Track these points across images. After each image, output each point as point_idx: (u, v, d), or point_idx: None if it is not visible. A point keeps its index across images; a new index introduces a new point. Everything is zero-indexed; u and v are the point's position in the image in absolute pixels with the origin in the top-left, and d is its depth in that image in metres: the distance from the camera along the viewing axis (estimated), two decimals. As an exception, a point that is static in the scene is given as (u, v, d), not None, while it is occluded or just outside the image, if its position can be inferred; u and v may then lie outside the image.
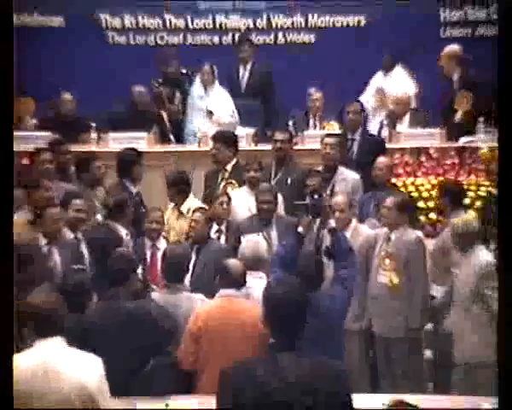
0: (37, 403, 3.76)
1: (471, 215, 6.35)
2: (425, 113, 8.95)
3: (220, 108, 9.14)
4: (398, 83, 9.51)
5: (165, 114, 9.55)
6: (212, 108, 9.13)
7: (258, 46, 10.16)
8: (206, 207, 7.03)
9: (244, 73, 9.75)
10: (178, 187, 7.29)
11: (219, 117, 9.00)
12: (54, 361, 3.80)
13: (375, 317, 6.48)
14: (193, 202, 7.28)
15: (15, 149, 7.76)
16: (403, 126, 8.89)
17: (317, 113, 9.46)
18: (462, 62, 9.13)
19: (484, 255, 6.05)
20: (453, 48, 9.39)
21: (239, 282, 5.18)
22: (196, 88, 9.51)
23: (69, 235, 6.55)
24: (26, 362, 3.83)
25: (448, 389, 6.02)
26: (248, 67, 9.77)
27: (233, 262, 5.29)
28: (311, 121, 9.47)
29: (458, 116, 8.82)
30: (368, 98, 9.59)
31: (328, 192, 7.14)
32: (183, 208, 7.22)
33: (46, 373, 3.78)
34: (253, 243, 5.83)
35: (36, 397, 3.77)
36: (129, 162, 7.57)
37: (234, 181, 7.71)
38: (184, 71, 9.78)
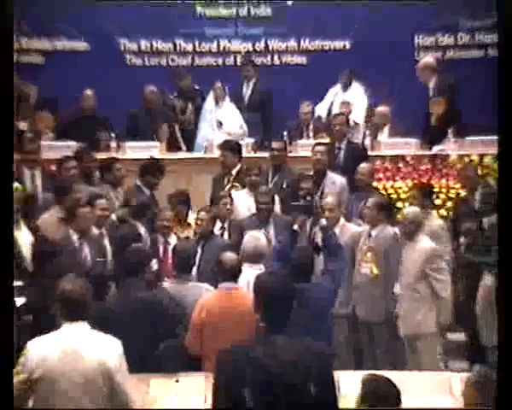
0: (61, 380, 3.72)
1: (417, 209, 6.45)
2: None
3: (231, 120, 9.11)
4: (356, 96, 9.48)
5: (176, 126, 9.47)
6: (222, 119, 9.09)
7: (259, 66, 10.08)
8: (211, 207, 7.00)
9: (247, 91, 9.65)
10: (181, 206, 7.17)
11: (230, 129, 8.97)
12: (77, 342, 3.78)
13: (358, 303, 6.45)
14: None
15: (43, 157, 7.81)
16: (383, 136, 8.86)
17: (309, 124, 9.39)
18: (436, 72, 9.19)
19: (427, 242, 6.16)
20: (428, 60, 9.52)
21: (233, 273, 5.09)
22: (209, 102, 9.40)
23: (95, 231, 6.56)
24: (51, 343, 3.81)
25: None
26: (251, 84, 9.67)
27: (227, 256, 5.19)
28: (304, 132, 9.39)
29: (433, 119, 8.80)
30: (325, 107, 9.55)
31: (319, 194, 7.10)
32: (189, 219, 7.15)
33: (69, 353, 3.74)
34: (254, 238, 5.78)
35: (60, 375, 3.73)
36: (151, 170, 7.55)
37: (237, 184, 7.66)
38: (197, 87, 9.71)
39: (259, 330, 3.46)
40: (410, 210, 6.37)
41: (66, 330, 3.81)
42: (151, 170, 7.57)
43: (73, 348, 3.75)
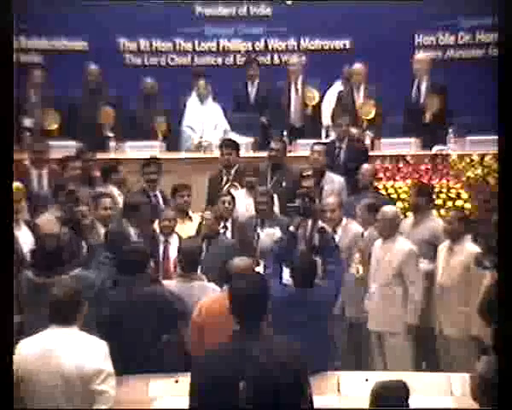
0: (37, 382, 3.73)
1: (396, 208, 6.46)
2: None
3: (215, 119, 9.10)
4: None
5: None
6: (207, 118, 9.09)
7: (261, 66, 10.15)
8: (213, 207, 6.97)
9: (252, 90, 9.67)
10: (183, 197, 7.14)
11: (216, 127, 9.01)
12: (57, 345, 3.75)
13: (346, 304, 6.40)
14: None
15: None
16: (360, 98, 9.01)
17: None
18: (431, 68, 9.23)
19: (405, 243, 6.13)
20: (424, 55, 9.55)
21: None
22: (192, 100, 9.36)
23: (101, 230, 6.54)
24: (34, 344, 3.81)
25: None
26: (255, 84, 9.68)
27: (239, 261, 5.05)
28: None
29: (427, 117, 8.82)
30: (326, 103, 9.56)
31: (318, 196, 7.06)
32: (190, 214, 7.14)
33: (46, 356, 3.73)
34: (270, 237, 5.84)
35: (37, 376, 3.72)
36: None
37: (236, 183, 7.66)
38: None
39: (234, 332, 3.47)
40: (388, 209, 6.28)
41: (52, 332, 3.80)
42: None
43: (52, 351, 3.73)
